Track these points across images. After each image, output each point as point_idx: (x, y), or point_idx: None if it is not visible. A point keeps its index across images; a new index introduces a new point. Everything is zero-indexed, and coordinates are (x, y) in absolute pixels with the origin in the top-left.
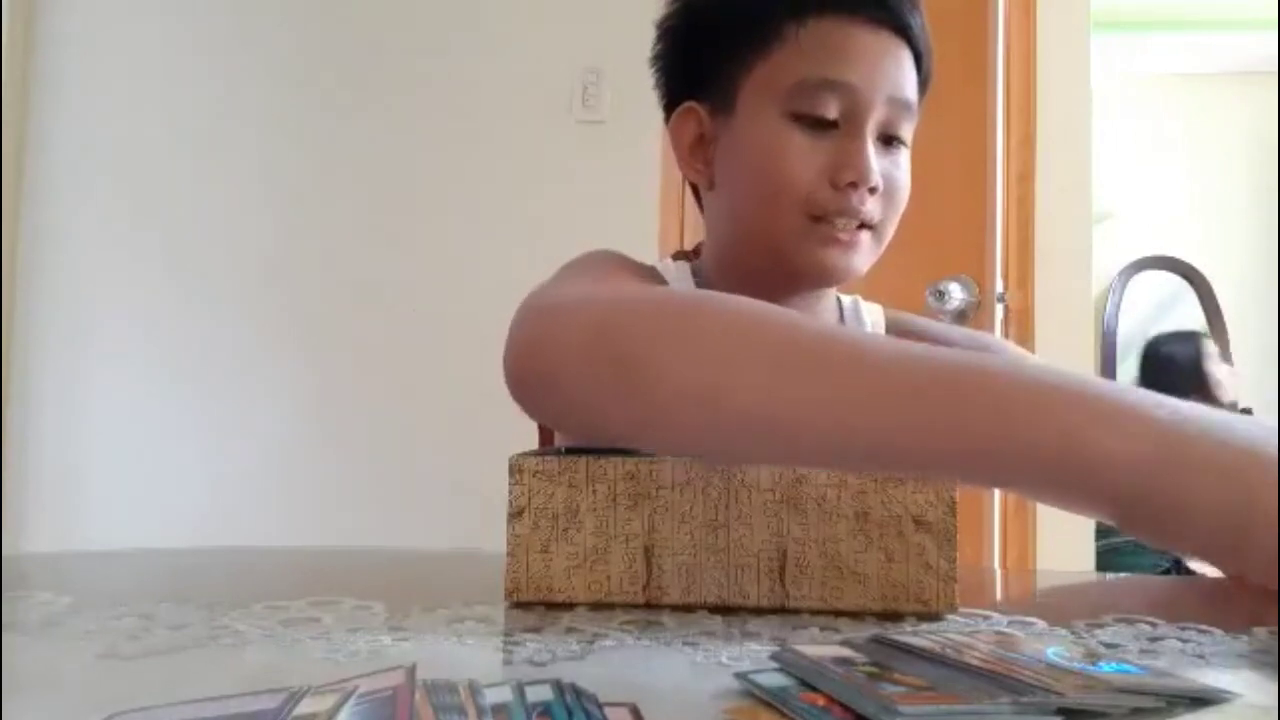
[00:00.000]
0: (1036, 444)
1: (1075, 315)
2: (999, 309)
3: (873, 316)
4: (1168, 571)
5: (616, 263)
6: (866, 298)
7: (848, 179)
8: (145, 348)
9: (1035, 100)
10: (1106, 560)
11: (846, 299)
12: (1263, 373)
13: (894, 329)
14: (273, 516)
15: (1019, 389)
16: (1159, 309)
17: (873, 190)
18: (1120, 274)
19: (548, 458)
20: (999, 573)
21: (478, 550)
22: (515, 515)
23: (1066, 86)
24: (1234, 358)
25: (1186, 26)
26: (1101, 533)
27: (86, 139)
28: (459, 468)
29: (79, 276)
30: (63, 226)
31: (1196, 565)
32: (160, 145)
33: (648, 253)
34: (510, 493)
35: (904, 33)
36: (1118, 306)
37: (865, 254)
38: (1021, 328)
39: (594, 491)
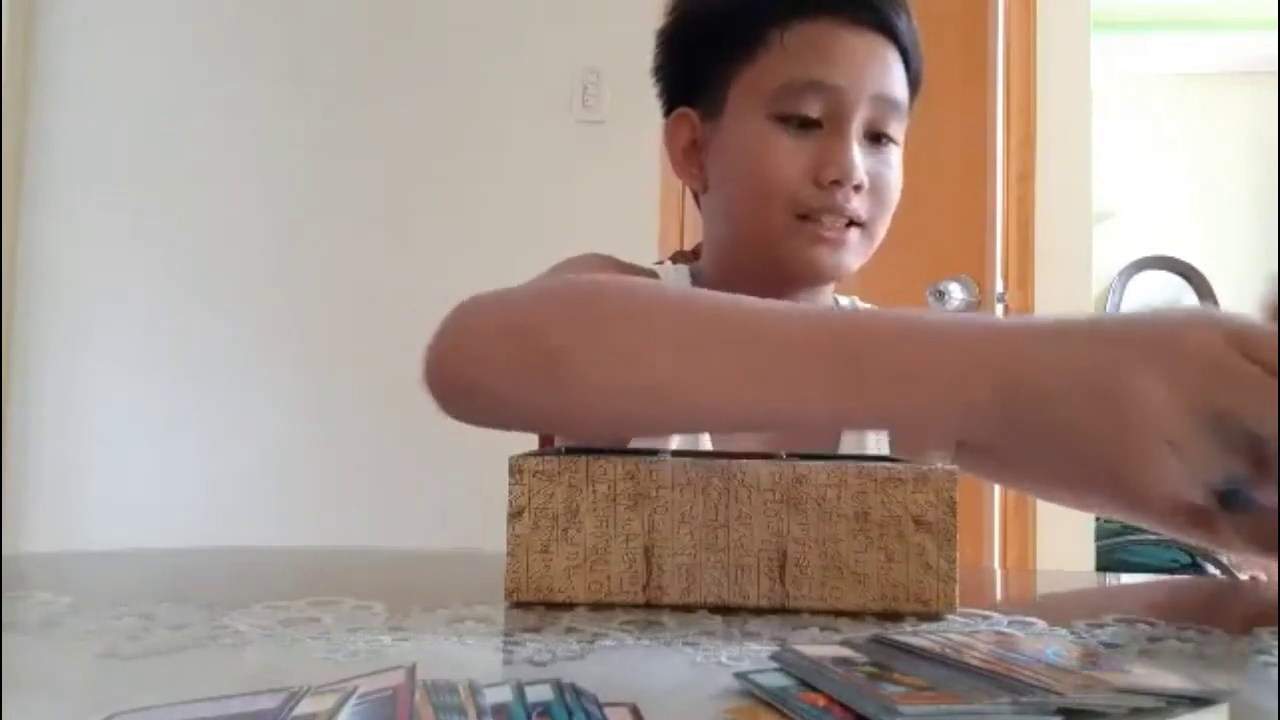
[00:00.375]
0: (922, 388)
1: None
2: (999, 309)
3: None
4: (1177, 570)
5: (599, 265)
6: (866, 298)
7: (831, 177)
8: (145, 348)
9: (1035, 100)
10: (1111, 557)
11: (844, 300)
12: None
13: None
14: (273, 516)
15: (905, 340)
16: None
17: (858, 188)
18: (1120, 274)
19: (548, 458)
20: (999, 573)
21: (478, 550)
22: (515, 515)
23: (1066, 86)
24: None
25: (1186, 26)
26: (1104, 533)
27: (87, 138)
28: (459, 468)
29: (79, 276)
30: (63, 226)
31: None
32: (160, 145)
33: (647, 253)
34: (510, 493)
35: (889, 32)
36: (1118, 307)
37: (854, 252)
38: None
39: (594, 491)
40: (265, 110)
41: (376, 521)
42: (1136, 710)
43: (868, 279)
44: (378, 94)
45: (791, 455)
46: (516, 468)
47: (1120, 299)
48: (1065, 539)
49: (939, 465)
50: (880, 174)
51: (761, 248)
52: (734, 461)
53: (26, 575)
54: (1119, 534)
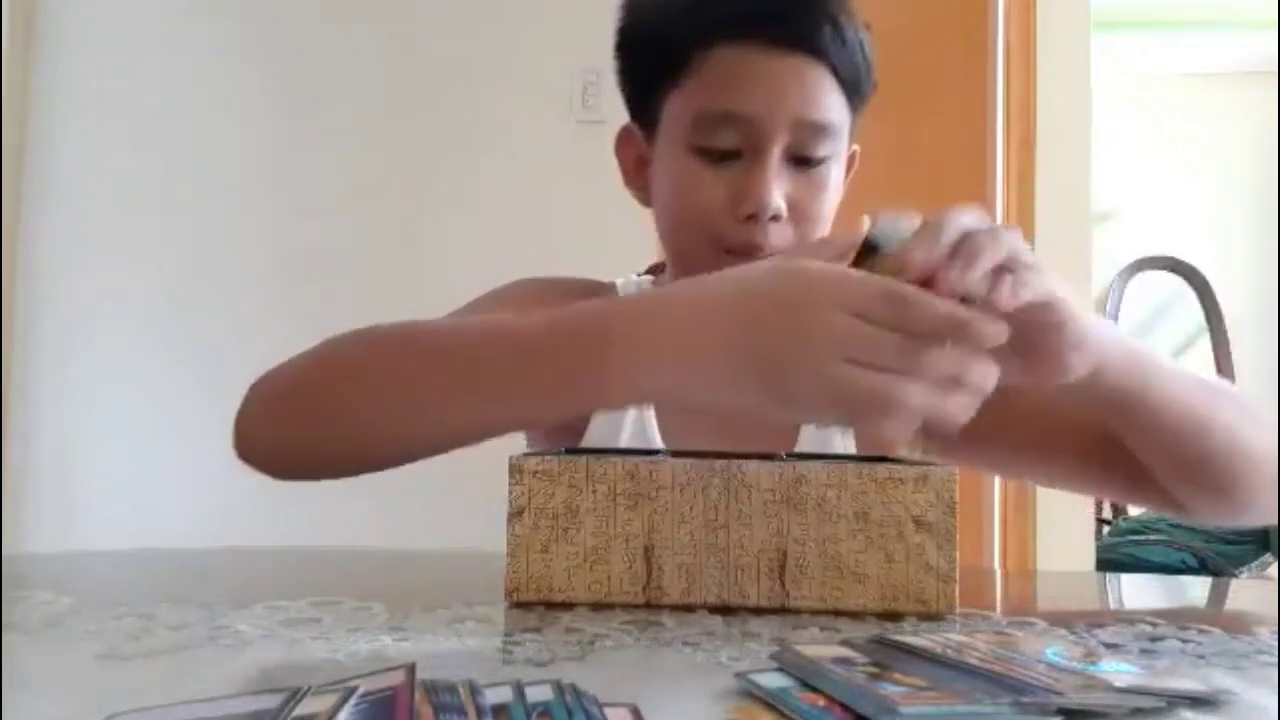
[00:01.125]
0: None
1: None
2: None
3: None
4: (1182, 572)
5: (532, 293)
6: None
7: (746, 211)
8: (145, 348)
9: (1035, 100)
10: (1114, 554)
11: None
12: (1263, 372)
13: None
14: (273, 516)
15: (535, 340)
16: (1159, 309)
17: (775, 219)
18: (1120, 274)
19: (548, 458)
20: (999, 573)
21: (478, 550)
22: (515, 515)
23: (1066, 86)
24: (1234, 358)
25: (1186, 26)
26: (1105, 533)
27: (87, 138)
28: (459, 468)
29: (79, 276)
30: (63, 227)
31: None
32: (160, 146)
33: (646, 253)
34: (510, 493)
35: (815, 52)
36: (1118, 307)
37: None
38: None
39: (594, 491)
40: (265, 111)
41: (376, 521)
42: (1136, 710)
43: None
44: (378, 94)
45: (791, 456)
46: (517, 468)
47: (1120, 299)
48: (1065, 539)
49: (939, 466)
50: (805, 199)
51: (689, 272)
52: (734, 462)
53: (26, 575)
54: (1120, 534)
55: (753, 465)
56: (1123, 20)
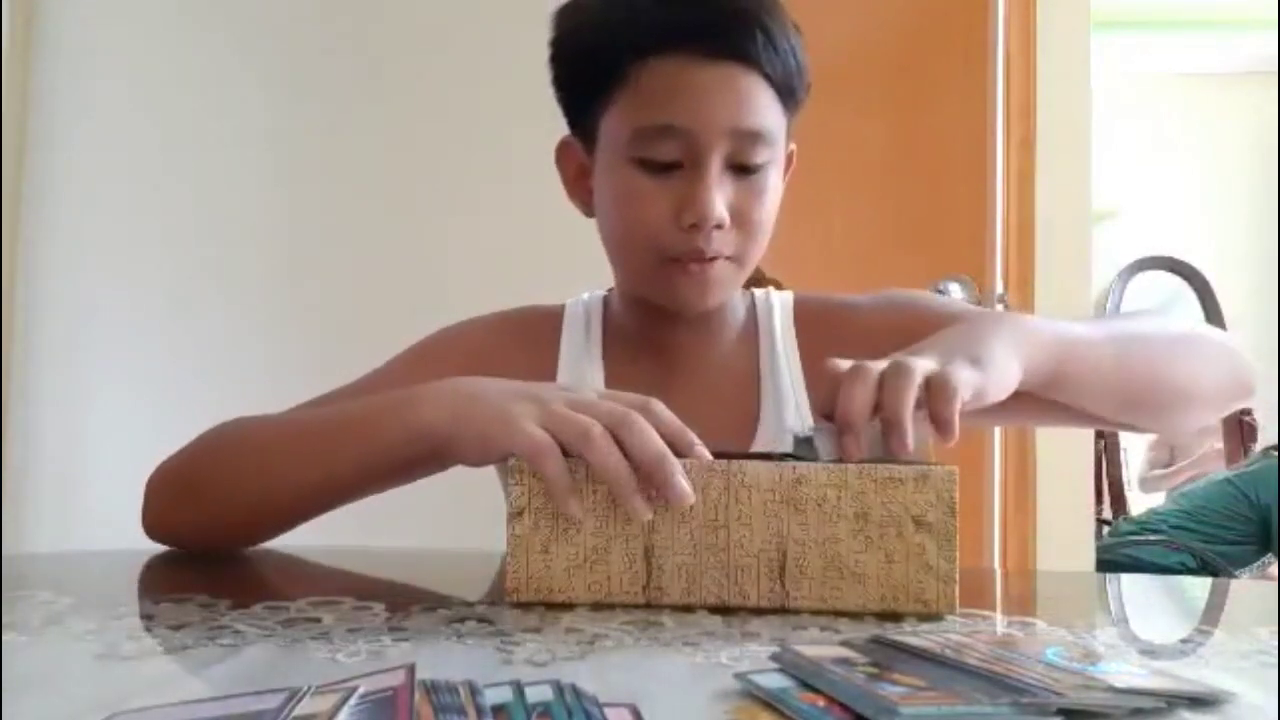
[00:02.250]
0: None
1: (1075, 315)
2: (999, 309)
3: (782, 303)
4: (1182, 573)
5: (444, 342)
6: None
7: (689, 221)
8: (146, 348)
9: (1035, 100)
10: (1113, 554)
11: (759, 292)
12: (1262, 373)
13: (803, 311)
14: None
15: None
16: (1159, 308)
17: (719, 227)
18: (1120, 274)
19: None
20: (999, 573)
21: (478, 550)
22: (515, 515)
23: (1066, 86)
24: None
25: (1186, 26)
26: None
27: (87, 138)
28: (459, 467)
29: (79, 276)
30: (64, 227)
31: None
32: (161, 147)
33: None
34: (510, 493)
35: (747, 60)
36: (1118, 307)
37: (723, 284)
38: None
39: (594, 492)
40: (265, 111)
41: (376, 521)
42: (1137, 710)
43: (868, 279)
44: (377, 94)
45: (790, 456)
46: (517, 468)
47: (1120, 299)
48: (1065, 539)
49: (939, 465)
50: (746, 206)
51: (634, 284)
52: (734, 462)
53: (26, 575)
54: (1119, 535)
55: (753, 465)
56: (1123, 20)
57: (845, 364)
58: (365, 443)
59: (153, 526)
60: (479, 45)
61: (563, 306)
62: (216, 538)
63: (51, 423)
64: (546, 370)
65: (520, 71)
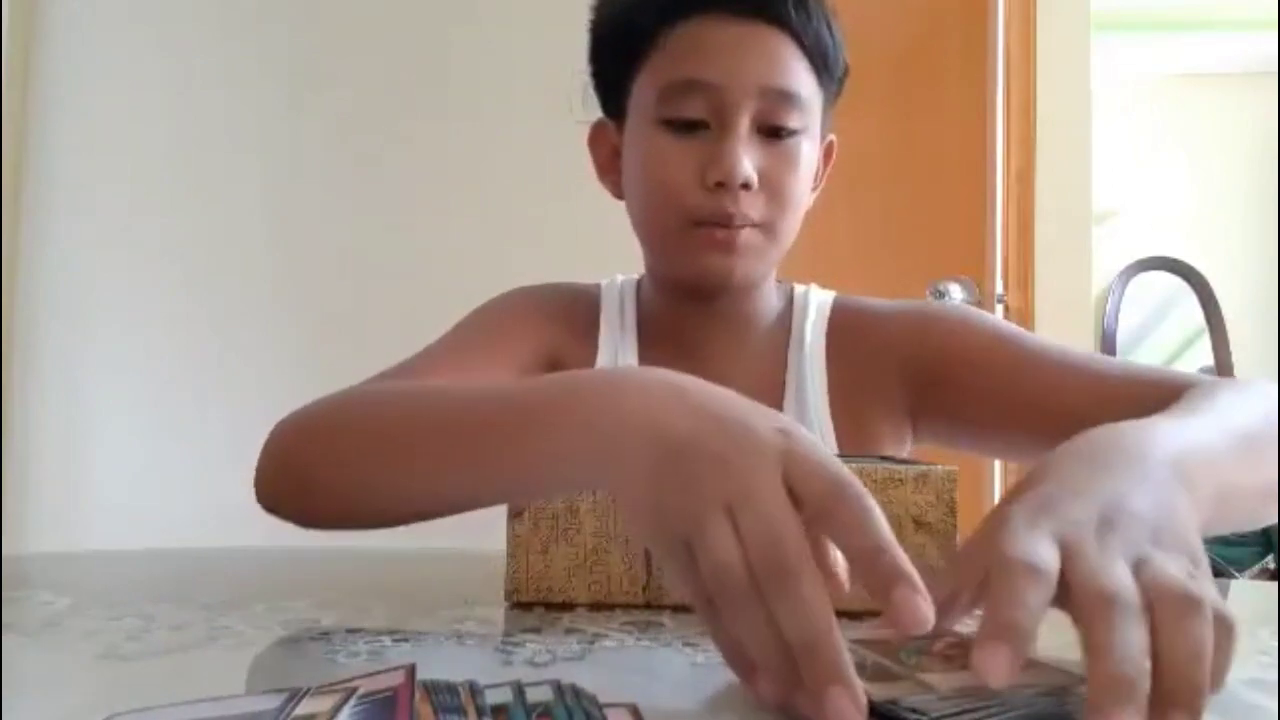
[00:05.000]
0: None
1: (1075, 315)
2: (999, 309)
3: (819, 306)
4: None
5: (526, 302)
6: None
7: (714, 179)
8: (145, 348)
9: (1035, 100)
10: None
11: (800, 288)
12: (1263, 373)
13: (837, 318)
14: (272, 517)
15: (497, 412)
16: (1159, 309)
17: (746, 187)
18: (1120, 274)
19: None
20: None
21: (478, 550)
22: (515, 515)
23: (1066, 86)
24: (1234, 358)
25: (1186, 26)
26: None
27: (87, 139)
28: None
29: (79, 277)
30: (63, 227)
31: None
32: (161, 145)
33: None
34: None
35: (779, 22)
36: (1118, 307)
37: (752, 255)
38: (1021, 328)
39: (594, 492)
40: (266, 111)
41: None
42: None
43: (868, 280)
44: (378, 95)
45: None
46: None
47: (1120, 299)
48: None
49: (939, 466)
50: (776, 171)
51: (662, 256)
52: None
53: (27, 575)
54: None
55: None
56: (1122, 21)
57: (1021, 551)
58: (540, 443)
59: (260, 499)
60: (479, 47)
61: (598, 286)
62: (321, 522)
63: (51, 423)
64: (587, 353)
65: (519, 73)
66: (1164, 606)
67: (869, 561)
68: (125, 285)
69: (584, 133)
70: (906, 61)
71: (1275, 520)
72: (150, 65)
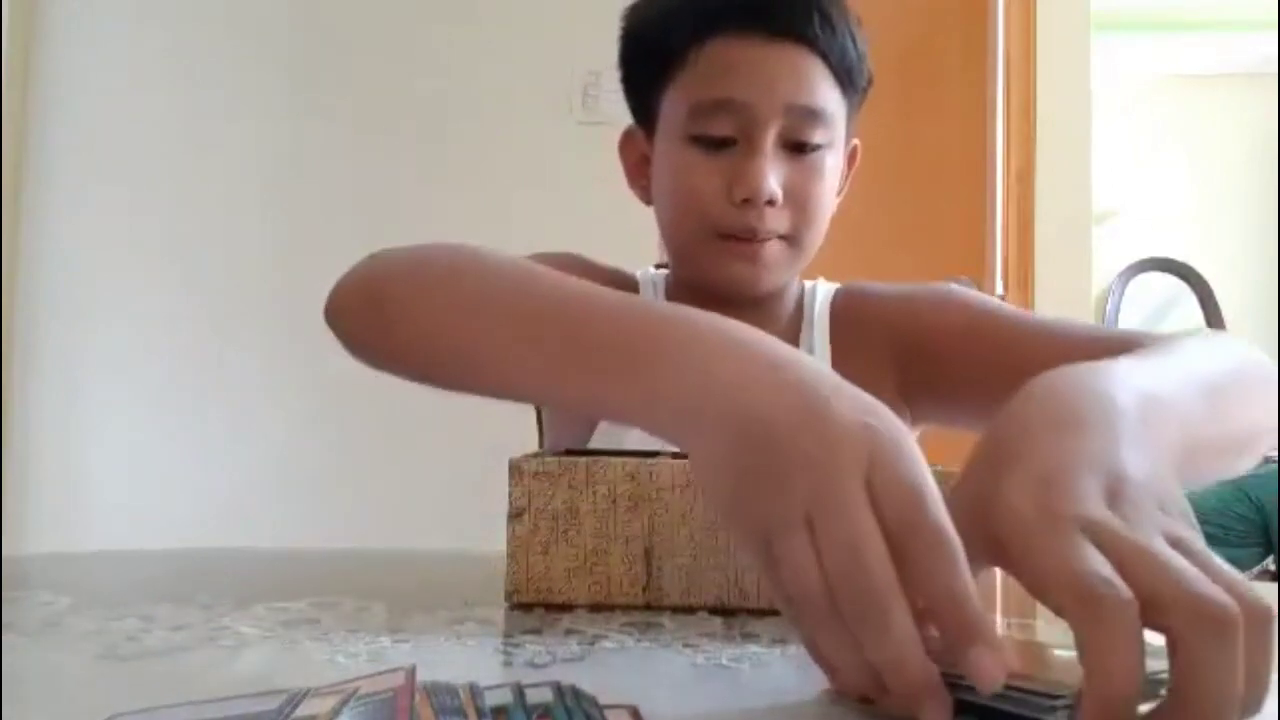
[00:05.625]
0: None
1: (1075, 315)
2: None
3: (824, 295)
4: None
5: (569, 265)
6: None
7: (741, 195)
8: (145, 348)
9: (1035, 100)
10: None
11: (808, 284)
12: None
13: (837, 304)
14: (273, 517)
15: (635, 329)
16: (1159, 309)
17: (771, 203)
18: (1120, 274)
19: (548, 459)
20: (999, 572)
21: (478, 550)
22: (515, 516)
23: (1066, 86)
24: None
25: (1186, 26)
26: None
27: (86, 139)
28: (459, 468)
29: (79, 277)
30: (63, 226)
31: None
32: (161, 146)
33: (647, 254)
34: (510, 494)
35: (805, 40)
36: (1118, 307)
37: (778, 266)
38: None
39: (594, 493)
40: (265, 112)
41: (376, 521)
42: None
43: (868, 279)
44: (378, 95)
45: None
46: (516, 469)
47: (1120, 299)
48: None
49: (938, 466)
50: (801, 185)
51: (689, 263)
52: None
53: (26, 575)
54: None
55: None
56: (1122, 21)
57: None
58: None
59: (332, 322)
60: (479, 47)
61: (635, 277)
62: (390, 366)
63: (51, 423)
64: None
65: (519, 74)
66: (1182, 616)
67: (943, 609)
68: (125, 285)
69: (584, 134)
70: (906, 61)
71: (1237, 474)
72: (150, 65)
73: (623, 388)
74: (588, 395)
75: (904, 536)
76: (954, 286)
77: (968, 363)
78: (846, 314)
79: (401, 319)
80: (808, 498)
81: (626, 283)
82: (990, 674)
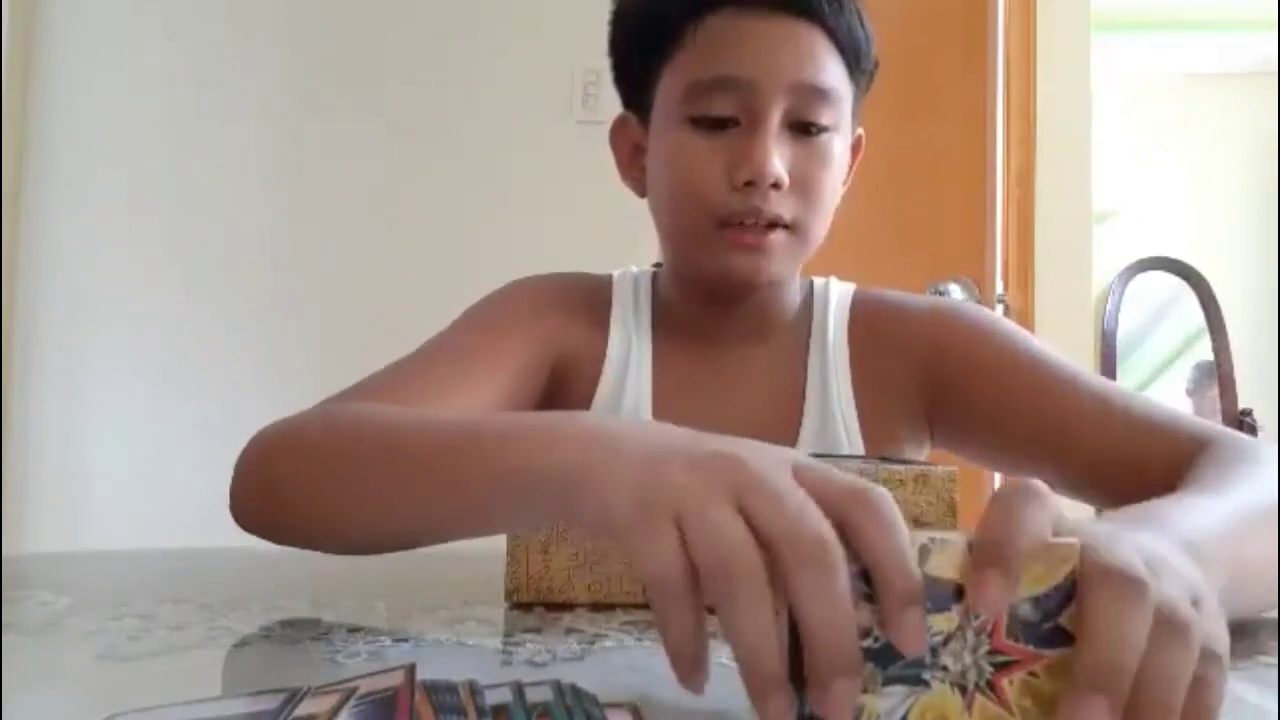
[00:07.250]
0: (503, 482)
1: (1075, 315)
2: (999, 309)
3: (840, 298)
4: None
5: (536, 290)
6: None
7: (743, 178)
8: (145, 347)
9: (1035, 100)
10: None
11: (819, 281)
12: (1263, 373)
13: (859, 311)
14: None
15: (484, 439)
16: (1159, 309)
17: (776, 186)
18: (1120, 274)
19: None
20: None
21: (478, 550)
22: None
23: (1066, 86)
24: (1234, 358)
25: (1186, 26)
26: None
27: (86, 139)
28: None
29: (79, 277)
30: (63, 226)
31: None
32: (161, 145)
33: (646, 254)
34: None
35: (811, 16)
36: (1118, 307)
37: (781, 256)
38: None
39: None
40: (265, 111)
41: None
42: None
43: (868, 280)
44: (378, 95)
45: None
46: None
47: (1120, 299)
48: None
49: (939, 466)
50: (807, 169)
51: (686, 256)
52: None
53: (26, 575)
54: None
55: None
56: (1123, 20)
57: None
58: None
59: (234, 514)
60: (480, 47)
61: (610, 277)
62: (292, 542)
63: (51, 423)
64: (597, 346)
65: (519, 73)
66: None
67: (887, 574)
68: (125, 285)
69: (584, 134)
70: (906, 62)
71: None
72: (151, 65)
73: (509, 472)
74: (468, 523)
75: (845, 509)
76: (982, 310)
77: (1004, 406)
78: (867, 324)
79: (287, 497)
80: (737, 478)
81: (597, 286)
82: (917, 640)
